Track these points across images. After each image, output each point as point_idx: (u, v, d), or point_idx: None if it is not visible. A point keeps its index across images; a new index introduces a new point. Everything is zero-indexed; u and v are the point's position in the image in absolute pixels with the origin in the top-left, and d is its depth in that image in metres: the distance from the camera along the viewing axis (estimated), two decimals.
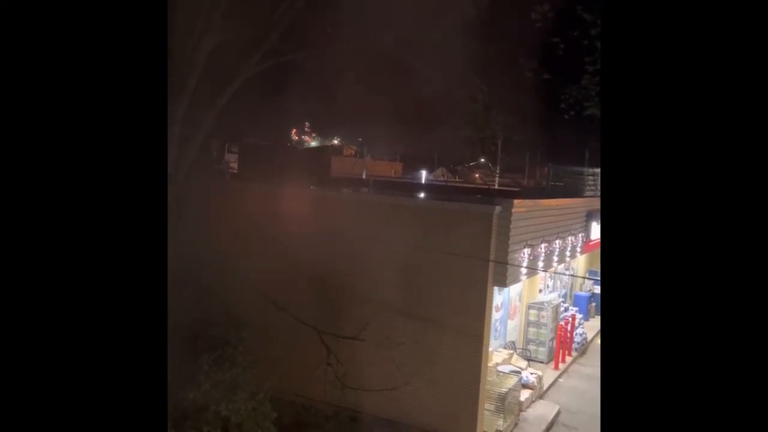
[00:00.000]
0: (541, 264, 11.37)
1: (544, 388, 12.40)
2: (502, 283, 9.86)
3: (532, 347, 13.89)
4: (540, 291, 15.25)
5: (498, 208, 9.61)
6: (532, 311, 14.04)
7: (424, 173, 24.33)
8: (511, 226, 9.69)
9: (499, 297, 12.04)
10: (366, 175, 15.76)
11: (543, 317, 13.91)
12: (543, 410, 11.47)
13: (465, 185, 21.33)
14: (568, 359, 14.25)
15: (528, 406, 11.38)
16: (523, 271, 10.53)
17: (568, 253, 13.16)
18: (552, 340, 13.97)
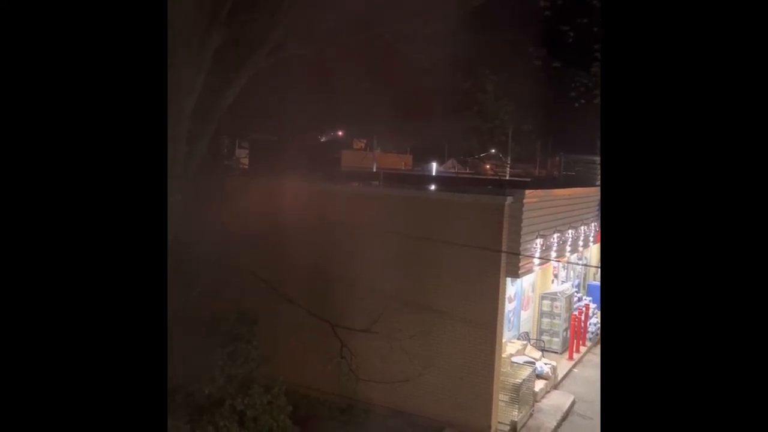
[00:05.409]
0: (553, 254, 11.31)
1: (559, 378, 12.36)
2: (515, 273, 9.82)
3: (545, 338, 13.84)
4: (553, 281, 15.18)
5: (509, 199, 9.56)
6: (545, 302, 13.98)
7: (434, 165, 24.26)
8: (523, 216, 9.63)
9: (511, 288, 11.99)
10: (376, 168, 15.73)
11: (556, 308, 13.84)
12: (558, 400, 11.44)
13: (476, 176, 21.23)
14: (583, 349, 14.18)
15: (543, 397, 11.35)
16: (536, 261, 10.47)
17: (580, 243, 13.07)
18: (566, 330, 13.92)
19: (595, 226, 14.12)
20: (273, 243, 10.55)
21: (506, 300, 10.57)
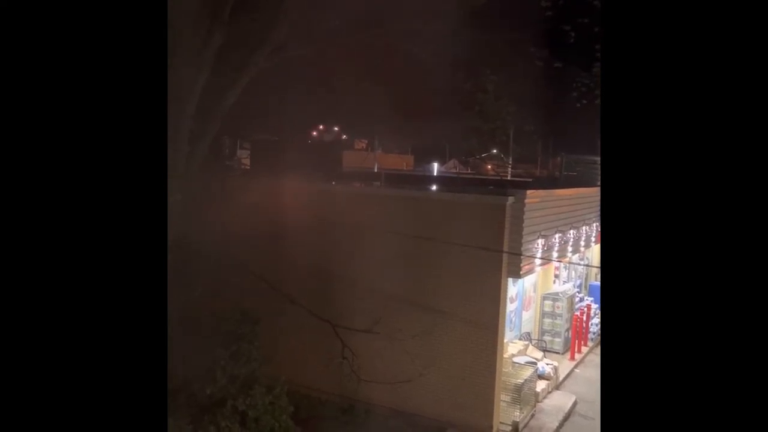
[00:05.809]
0: (555, 254, 11.30)
1: (561, 378, 12.35)
2: (516, 274, 9.81)
3: (547, 338, 13.82)
4: (554, 282, 15.16)
5: (511, 199, 9.56)
6: (547, 302, 13.96)
7: (435, 165, 24.22)
8: (525, 216, 9.63)
9: (513, 288, 11.98)
10: (377, 169, 15.72)
11: (558, 308, 13.83)
12: (559, 401, 11.43)
13: (477, 176, 21.18)
14: (584, 349, 14.17)
15: (544, 397, 11.34)
16: (537, 261, 10.46)
17: (582, 243, 13.06)
18: (567, 330, 13.90)
19: (596, 226, 14.10)
20: (274, 243, 10.55)
21: (508, 300, 10.56)
